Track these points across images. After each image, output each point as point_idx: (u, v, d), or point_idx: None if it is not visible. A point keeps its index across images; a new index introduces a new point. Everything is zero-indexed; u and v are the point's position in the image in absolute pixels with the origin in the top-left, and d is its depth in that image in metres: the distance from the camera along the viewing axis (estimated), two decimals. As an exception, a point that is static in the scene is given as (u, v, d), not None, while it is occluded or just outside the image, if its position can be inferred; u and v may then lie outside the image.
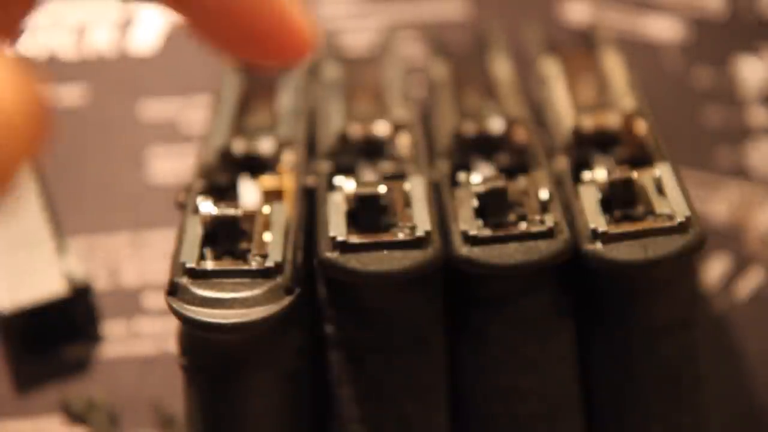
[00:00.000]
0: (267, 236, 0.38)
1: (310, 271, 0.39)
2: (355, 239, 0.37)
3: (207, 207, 0.38)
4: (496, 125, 0.42)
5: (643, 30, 0.56)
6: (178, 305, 0.36)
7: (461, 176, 0.40)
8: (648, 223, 0.37)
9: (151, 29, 0.56)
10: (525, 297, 0.38)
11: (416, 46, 0.55)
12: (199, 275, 0.37)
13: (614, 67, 0.45)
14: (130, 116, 0.54)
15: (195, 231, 0.38)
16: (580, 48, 0.48)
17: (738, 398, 0.48)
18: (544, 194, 0.39)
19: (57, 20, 0.56)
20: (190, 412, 0.39)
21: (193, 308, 0.36)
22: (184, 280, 0.36)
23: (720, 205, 0.52)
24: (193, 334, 0.37)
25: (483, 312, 0.38)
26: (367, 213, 0.38)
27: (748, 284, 0.51)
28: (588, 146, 0.42)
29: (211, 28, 0.32)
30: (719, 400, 0.43)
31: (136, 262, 0.51)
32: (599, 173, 0.39)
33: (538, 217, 0.38)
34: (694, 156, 0.53)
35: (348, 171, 0.41)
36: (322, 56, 0.48)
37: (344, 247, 0.37)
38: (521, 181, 0.39)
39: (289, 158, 0.42)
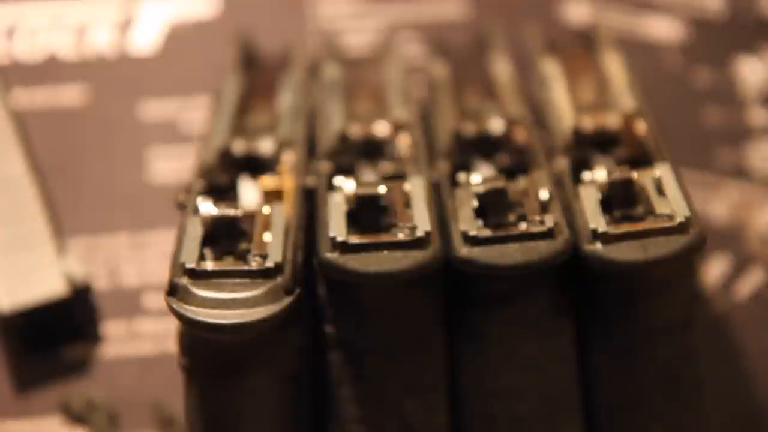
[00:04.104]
0: (267, 236, 0.38)
1: (310, 271, 0.39)
2: (355, 239, 0.37)
3: (207, 207, 0.38)
4: (496, 125, 0.42)
5: (643, 30, 0.56)
6: (177, 305, 0.36)
7: (461, 176, 0.40)
8: (648, 224, 0.37)
9: (151, 29, 0.56)
10: (525, 297, 0.38)
11: (416, 46, 0.55)
12: (199, 275, 0.37)
13: (614, 67, 0.45)
14: (130, 116, 0.54)
15: (195, 231, 0.38)
16: (580, 48, 0.48)
17: (738, 398, 0.48)
18: (544, 194, 0.39)
19: (57, 20, 0.56)
20: (190, 412, 0.39)
21: (193, 308, 0.36)
22: (184, 281, 0.36)
23: (720, 205, 0.52)
24: (193, 334, 0.37)
25: (483, 312, 0.38)
26: (367, 213, 0.38)
27: (748, 284, 0.51)
28: (588, 146, 0.42)
29: None
30: (719, 400, 0.43)
31: (136, 262, 0.51)
32: (599, 173, 0.39)
33: (538, 218, 0.38)
34: (694, 156, 0.53)
35: (348, 171, 0.41)
36: (322, 56, 0.48)
37: (344, 247, 0.37)
38: (521, 182, 0.39)
39: (289, 158, 0.42)
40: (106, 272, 0.50)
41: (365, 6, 0.57)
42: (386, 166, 0.41)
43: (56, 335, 0.49)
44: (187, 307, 0.36)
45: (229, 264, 0.37)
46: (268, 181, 0.41)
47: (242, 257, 0.37)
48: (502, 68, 0.46)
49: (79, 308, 0.49)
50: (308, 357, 0.39)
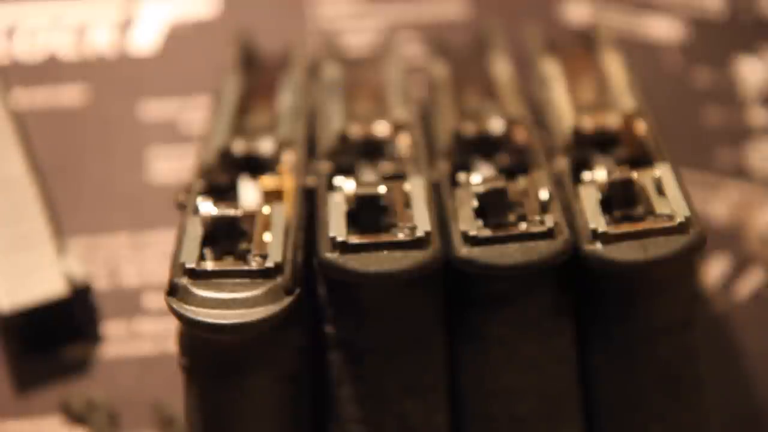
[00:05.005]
0: (267, 236, 0.38)
1: (310, 271, 0.39)
2: (355, 239, 0.37)
3: (207, 207, 0.38)
4: (496, 125, 0.42)
5: (643, 30, 0.56)
6: (177, 305, 0.36)
7: (461, 176, 0.40)
8: (648, 224, 0.37)
9: (151, 29, 0.56)
10: (525, 297, 0.38)
11: (416, 46, 0.55)
12: (199, 275, 0.37)
13: (614, 67, 0.45)
14: (130, 116, 0.54)
15: (195, 231, 0.38)
16: (580, 48, 0.48)
17: (738, 398, 0.48)
18: (544, 194, 0.39)
19: (57, 20, 0.56)
20: (189, 413, 0.39)
21: (193, 308, 0.36)
22: (184, 281, 0.36)
23: (720, 205, 0.52)
24: (193, 334, 0.37)
25: (483, 312, 0.38)
26: (367, 213, 0.38)
27: (748, 284, 0.51)
28: (588, 146, 0.42)
29: None
30: (719, 400, 0.43)
31: (136, 262, 0.51)
32: (599, 173, 0.39)
33: (537, 218, 0.38)
34: (694, 156, 0.53)
35: (348, 171, 0.41)
36: (322, 56, 0.48)
37: (344, 247, 0.37)
38: (521, 182, 0.39)
39: (289, 158, 0.42)
40: (106, 272, 0.50)
41: (365, 6, 0.57)
42: (386, 166, 0.41)
43: (56, 335, 0.49)
44: (187, 307, 0.36)
45: (229, 264, 0.37)
46: (268, 181, 0.41)
47: (242, 257, 0.37)
48: (502, 68, 0.46)
49: (79, 308, 0.49)
50: (308, 357, 0.39)
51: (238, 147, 0.42)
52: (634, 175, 0.38)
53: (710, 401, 0.41)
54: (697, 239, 0.37)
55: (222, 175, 0.41)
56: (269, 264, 0.37)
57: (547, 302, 0.38)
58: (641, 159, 0.40)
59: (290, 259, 0.37)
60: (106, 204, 0.52)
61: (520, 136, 0.42)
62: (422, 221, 0.37)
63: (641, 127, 0.41)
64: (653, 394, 0.39)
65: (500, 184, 0.38)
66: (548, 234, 0.37)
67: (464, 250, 0.37)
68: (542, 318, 0.39)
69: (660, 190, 0.38)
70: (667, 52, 0.56)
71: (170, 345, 0.42)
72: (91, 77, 0.55)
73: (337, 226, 0.37)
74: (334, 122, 0.43)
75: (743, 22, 0.57)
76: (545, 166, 0.40)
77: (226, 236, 0.38)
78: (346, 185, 0.39)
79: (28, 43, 0.55)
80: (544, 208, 0.38)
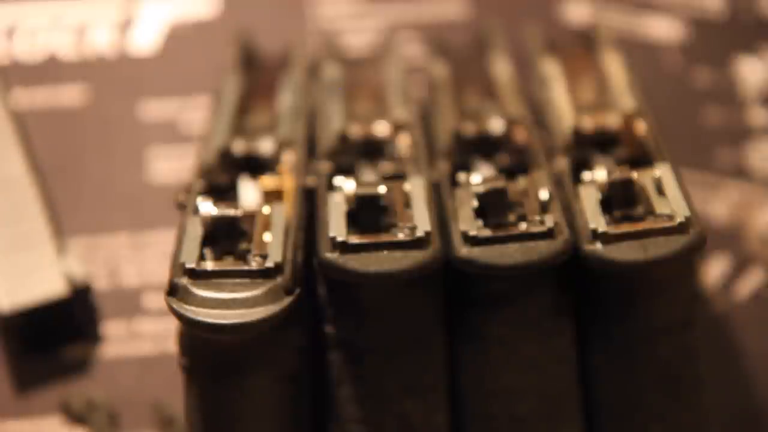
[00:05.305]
0: (267, 236, 0.38)
1: (310, 271, 0.39)
2: (355, 239, 0.37)
3: (207, 207, 0.38)
4: (496, 125, 0.42)
5: (643, 30, 0.56)
6: (177, 305, 0.36)
7: (461, 176, 0.40)
8: (648, 224, 0.37)
9: (151, 29, 0.56)
10: (525, 297, 0.38)
11: (416, 46, 0.55)
12: (199, 275, 0.37)
13: (614, 67, 0.45)
14: (130, 116, 0.54)
15: (195, 231, 0.38)
16: (580, 48, 0.48)
17: (738, 398, 0.48)
18: (543, 194, 0.39)
19: (57, 20, 0.56)
20: (189, 412, 0.39)
21: (193, 308, 0.36)
22: (184, 281, 0.36)
23: (720, 205, 0.52)
24: (193, 334, 0.37)
25: (483, 312, 0.38)
26: (367, 213, 0.38)
27: (748, 284, 0.51)
28: (588, 146, 0.42)
29: None
30: (719, 400, 0.43)
31: (136, 262, 0.51)
32: (599, 173, 0.39)
33: (537, 218, 0.38)
34: (694, 156, 0.53)
35: (348, 171, 0.41)
36: (322, 56, 0.48)
37: (344, 247, 0.37)
38: (521, 182, 0.39)
39: (289, 158, 0.42)
40: (106, 272, 0.50)
41: (365, 6, 0.57)
42: (386, 166, 0.41)
43: (56, 335, 0.49)
44: (187, 307, 0.36)
45: (229, 264, 0.37)
46: (268, 181, 0.41)
47: (242, 257, 0.37)
48: (502, 68, 0.46)
49: (79, 308, 0.49)
50: (308, 357, 0.39)
51: (238, 147, 0.42)
52: (634, 175, 0.38)
53: (710, 401, 0.41)
54: (697, 239, 0.37)
55: (222, 175, 0.41)
56: (269, 264, 0.37)
57: (547, 302, 0.38)
58: (641, 159, 0.40)
59: (290, 259, 0.37)
60: (106, 204, 0.52)
61: (520, 136, 0.42)
62: (422, 221, 0.37)
63: (641, 127, 0.41)
64: (653, 394, 0.39)
65: (500, 184, 0.38)
66: (548, 234, 0.37)
67: (464, 250, 0.37)
68: (542, 318, 0.39)
69: (660, 190, 0.38)
70: (667, 52, 0.56)
71: (170, 345, 0.42)
72: (91, 77, 0.55)
73: (337, 226, 0.37)
74: (334, 122, 0.43)
75: (743, 22, 0.57)
76: (545, 166, 0.40)
77: (226, 236, 0.38)
78: (346, 185, 0.39)
79: (28, 43, 0.55)
80: (544, 208, 0.38)
